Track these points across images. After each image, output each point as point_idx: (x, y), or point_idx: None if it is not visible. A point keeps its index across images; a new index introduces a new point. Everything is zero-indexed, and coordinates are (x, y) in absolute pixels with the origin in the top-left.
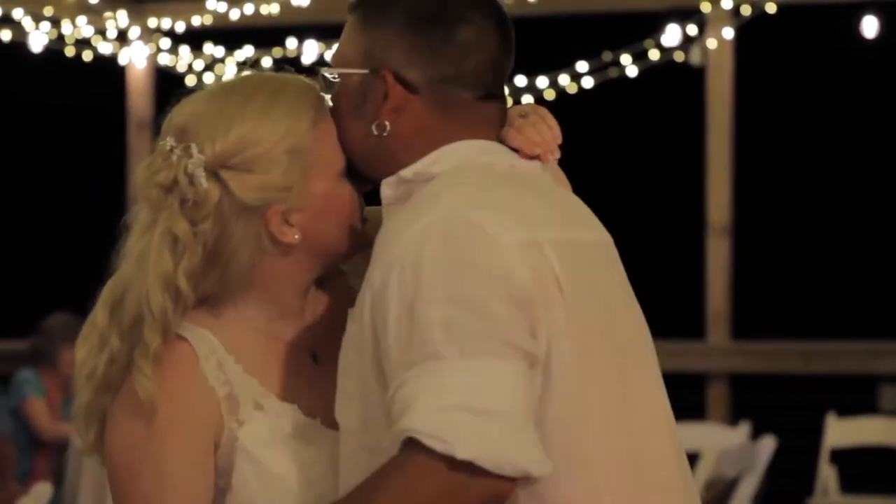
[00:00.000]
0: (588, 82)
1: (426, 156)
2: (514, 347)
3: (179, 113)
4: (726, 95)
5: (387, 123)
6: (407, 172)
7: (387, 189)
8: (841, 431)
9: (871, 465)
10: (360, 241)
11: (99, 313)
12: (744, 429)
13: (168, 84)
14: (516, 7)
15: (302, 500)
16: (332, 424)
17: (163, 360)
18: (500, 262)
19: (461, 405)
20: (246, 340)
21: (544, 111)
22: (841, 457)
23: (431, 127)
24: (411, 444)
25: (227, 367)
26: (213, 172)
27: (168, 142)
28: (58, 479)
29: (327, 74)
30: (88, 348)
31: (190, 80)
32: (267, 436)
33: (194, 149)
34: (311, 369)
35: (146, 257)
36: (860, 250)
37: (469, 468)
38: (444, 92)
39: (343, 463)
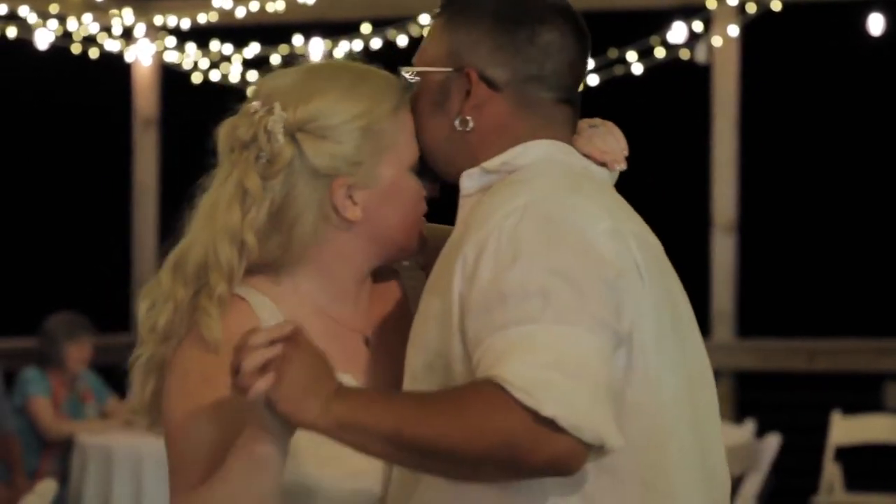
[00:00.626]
0: (594, 80)
1: (507, 150)
2: (604, 325)
3: (267, 82)
4: (732, 93)
5: (469, 119)
6: (491, 164)
7: (467, 180)
8: (846, 429)
9: (876, 462)
10: (418, 242)
11: (165, 270)
12: (749, 426)
13: (174, 81)
14: None
15: (353, 466)
16: None
17: (224, 320)
18: (593, 245)
19: (552, 365)
20: (302, 313)
21: (613, 125)
22: (846, 454)
23: (511, 124)
24: (498, 389)
25: None
26: (290, 134)
27: (253, 105)
28: (63, 477)
29: (409, 73)
30: (151, 302)
31: (196, 78)
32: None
33: (277, 107)
34: (362, 351)
35: (216, 209)
36: (865, 248)
37: (549, 425)
38: (525, 91)
39: None
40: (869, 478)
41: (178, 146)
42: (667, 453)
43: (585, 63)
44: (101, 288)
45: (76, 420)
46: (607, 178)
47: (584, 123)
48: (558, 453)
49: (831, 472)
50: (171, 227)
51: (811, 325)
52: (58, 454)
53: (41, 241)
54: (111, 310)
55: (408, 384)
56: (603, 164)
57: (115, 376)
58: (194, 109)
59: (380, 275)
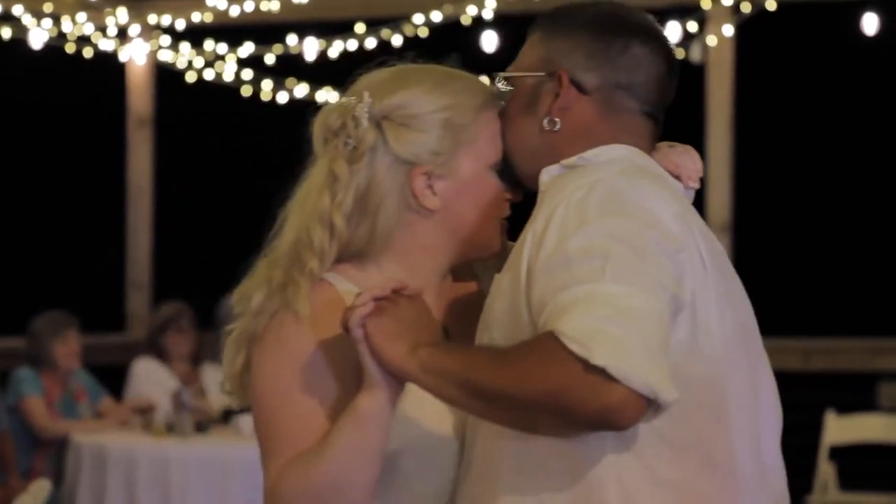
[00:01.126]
0: None
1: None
2: (664, 288)
3: (363, 76)
4: (726, 92)
5: (556, 119)
6: (570, 161)
7: (545, 176)
8: (840, 429)
9: (871, 462)
10: (497, 243)
11: (261, 261)
12: None
13: (168, 81)
14: (518, 4)
15: (424, 431)
16: None
17: (312, 300)
18: (657, 219)
19: (607, 319)
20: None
21: (690, 147)
22: (840, 454)
23: (597, 127)
24: (554, 340)
25: None
26: (375, 121)
27: (345, 97)
28: (56, 477)
29: (502, 78)
30: (253, 283)
31: (190, 77)
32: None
33: (366, 96)
34: (442, 339)
35: (308, 195)
36: (860, 248)
37: (600, 375)
38: (612, 97)
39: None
40: (863, 477)
41: (173, 145)
42: (730, 433)
43: (673, 86)
44: (95, 288)
45: (70, 419)
46: (681, 190)
47: (662, 143)
48: (609, 404)
49: (825, 471)
50: (165, 226)
51: (805, 324)
52: (51, 454)
53: (35, 241)
54: (105, 309)
55: None
56: (677, 178)
57: (109, 376)
58: (188, 109)
59: (461, 275)
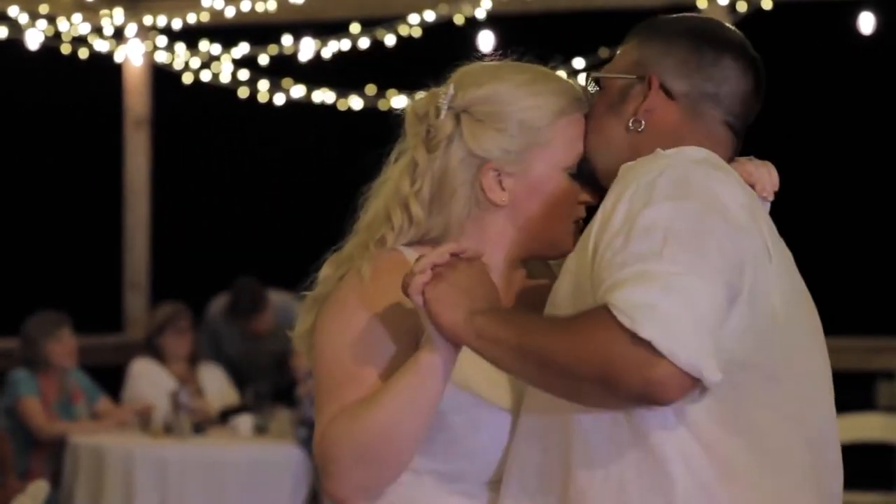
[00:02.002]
0: (584, 80)
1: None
2: (720, 273)
3: (461, 68)
4: None
5: (641, 120)
6: (648, 157)
7: (623, 170)
8: (838, 428)
9: (869, 461)
10: (569, 242)
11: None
12: None
13: (164, 81)
14: (513, 5)
15: (484, 396)
16: None
17: (377, 261)
18: (724, 206)
19: (659, 295)
20: None
21: (769, 163)
22: None
23: (679, 130)
24: (605, 312)
25: None
26: (455, 113)
27: (439, 88)
28: (54, 477)
29: (594, 77)
30: (333, 263)
31: (186, 78)
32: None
33: (451, 87)
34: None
35: (391, 179)
36: (858, 247)
37: (646, 348)
38: (698, 105)
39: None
40: (861, 476)
41: (170, 146)
42: (784, 422)
43: (758, 103)
44: (92, 288)
45: (67, 420)
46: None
47: (741, 157)
48: (653, 378)
49: None
50: (162, 227)
51: None
52: (49, 454)
53: (32, 242)
54: (102, 310)
55: None
56: (751, 187)
57: (106, 376)
58: (185, 109)
59: (541, 272)
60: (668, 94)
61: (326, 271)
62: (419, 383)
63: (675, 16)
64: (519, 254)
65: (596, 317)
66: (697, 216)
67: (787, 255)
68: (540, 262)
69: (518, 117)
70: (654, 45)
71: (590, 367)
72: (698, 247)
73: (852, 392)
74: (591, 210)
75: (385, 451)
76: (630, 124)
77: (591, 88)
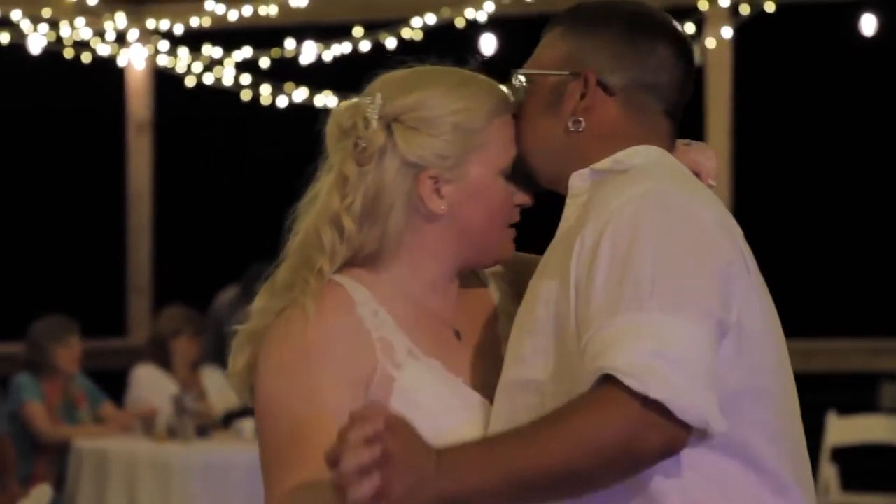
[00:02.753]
0: None
1: (618, 152)
2: (710, 314)
3: (379, 78)
4: (725, 94)
5: (581, 119)
6: (602, 164)
7: (576, 180)
8: (842, 430)
9: (872, 463)
10: (506, 248)
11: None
12: None
13: (167, 86)
14: (514, 7)
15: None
16: (475, 388)
17: (321, 300)
18: (707, 234)
19: (657, 352)
20: (398, 301)
21: (705, 145)
22: (842, 455)
23: (622, 127)
24: (607, 381)
25: (380, 316)
26: (385, 122)
27: (359, 98)
28: (58, 482)
29: (522, 75)
30: (267, 293)
31: (189, 82)
32: (424, 381)
33: (378, 97)
34: (453, 342)
35: (318, 197)
36: (861, 248)
37: (657, 410)
38: (637, 98)
39: (518, 413)
40: (865, 478)
41: (172, 150)
42: (773, 441)
43: (690, 86)
44: (95, 292)
45: (70, 424)
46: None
47: (679, 141)
48: (668, 438)
49: (827, 472)
50: (165, 231)
51: (807, 325)
52: (52, 459)
53: (35, 246)
54: (106, 314)
55: (513, 368)
56: (697, 175)
57: (109, 381)
58: (187, 113)
59: (471, 281)
60: (605, 89)
61: (262, 302)
62: None
63: (598, 2)
64: (457, 265)
65: (601, 391)
66: (684, 254)
67: (755, 264)
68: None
69: (452, 121)
70: (585, 38)
71: (607, 447)
72: (686, 290)
73: (856, 394)
74: (526, 215)
75: None
76: (570, 125)
77: (520, 85)
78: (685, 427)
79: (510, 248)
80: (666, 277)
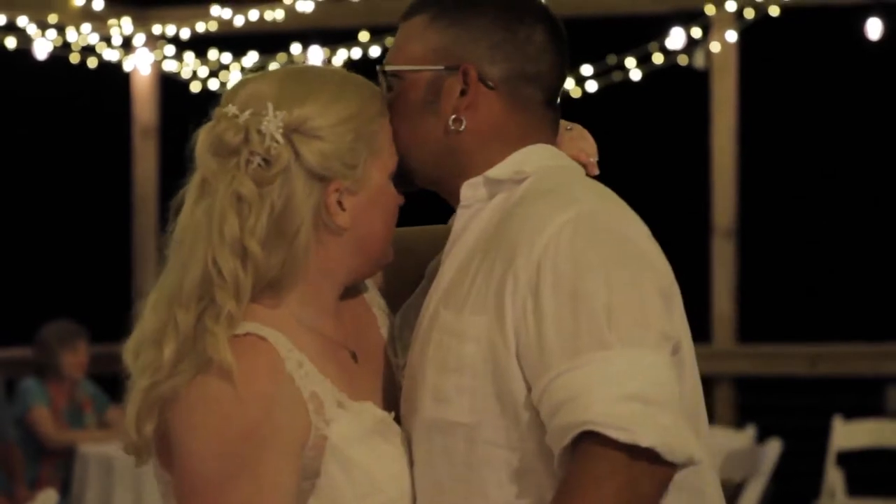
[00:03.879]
0: (592, 86)
1: (507, 158)
2: (666, 338)
3: (244, 87)
4: (730, 98)
5: (463, 119)
6: (496, 173)
7: (469, 190)
8: (847, 434)
9: (878, 467)
10: (390, 253)
11: (150, 307)
12: (750, 432)
13: (173, 91)
14: None
15: (387, 496)
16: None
17: (247, 361)
18: (646, 255)
19: (634, 395)
20: (304, 338)
21: (582, 128)
22: (848, 459)
23: (505, 124)
24: (589, 438)
25: (305, 367)
26: (286, 135)
27: (230, 109)
28: (64, 486)
29: (392, 72)
30: (136, 347)
31: (195, 87)
32: (355, 433)
33: (270, 109)
34: (353, 367)
35: (208, 223)
36: (866, 252)
37: (648, 457)
38: (519, 90)
39: (439, 456)
40: (871, 482)
41: (178, 155)
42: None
43: (567, 70)
44: (101, 297)
45: (76, 429)
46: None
47: (563, 130)
48: (659, 482)
49: (833, 477)
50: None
51: (812, 329)
52: (58, 463)
53: (41, 250)
54: (111, 319)
55: (433, 407)
56: (583, 166)
57: (115, 385)
58: (193, 118)
59: (346, 291)
60: (485, 83)
61: (167, 353)
62: None
63: None
64: (348, 280)
65: (589, 457)
66: (632, 281)
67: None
68: None
69: (352, 127)
70: (457, 27)
71: None
72: (642, 317)
73: (862, 397)
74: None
75: None
76: (450, 124)
77: (388, 84)
78: (673, 467)
79: (391, 252)
80: (619, 307)
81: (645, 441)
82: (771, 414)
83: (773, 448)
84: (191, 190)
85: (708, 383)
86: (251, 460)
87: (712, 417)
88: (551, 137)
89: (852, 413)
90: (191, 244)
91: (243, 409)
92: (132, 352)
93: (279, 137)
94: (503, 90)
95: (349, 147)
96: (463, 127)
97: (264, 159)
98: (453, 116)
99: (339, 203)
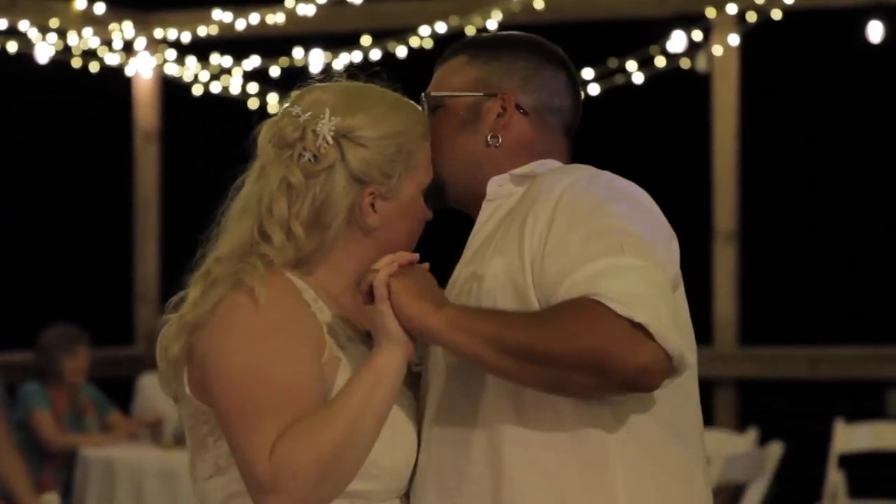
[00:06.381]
0: (594, 89)
1: (529, 163)
2: (669, 266)
3: (311, 92)
4: (732, 102)
5: (499, 136)
6: (521, 170)
7: (494, 185)
8: (849, 437)
9: (880, 470)
10: None
11: (207, 260)
12: (751, 435)
13: (174, 95)
14: (522, 14)
15: (390, 421)
16: None
17: (271, 282)
18: (656, 211)
19: (639, 284)
20: (326, 300)
21: None
22: (849, 462)
23: (533, 142)
24: (593, 302)
25: (319, 304)
26: (336, 139)
27: (295, 109)
28: (65, 490)
29: (438, 97)
30: (201, 284)
31: (196, 91)
32: (364, 361)
33: (327, 114)
34: (368, 341)
35: (258, 201)
36: (867, 255)
37: (640, 332)
38: (544, 117)
39: (457, 388)
40: (872, 485)
41: (180, 159)
42: (695, 409)
43: (580, 113)
44: (102, 301)
45: (77, 433)
46: None
47: None
48: (645, 362)
49: (835, 479)
50: (172, 239)
51: (813, 332)
52: (59, 467)
53: (43, 255)
54: (113, 323)
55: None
56: None
57: (116, 389)
58: (195, 122)
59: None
60: (518, 108)
61: (196, 293)
62: (377, 390)
63: (501, 34)
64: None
65: (586, 307)
66: (641, 217)
67: None
68: None
69: (396, 142)
70: (494, 63)
71: (586, 354)
72: (649, 245)
73: (863, 401)
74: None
75: (350, 462)
76: (488, 139)
77: (431, 108)
78: (663, 355)
79: None
80: (632, 231)
81: (640, 317)
82: (772, 417)
83: (775, 451)
84: (251, 174)
85: (710, 386)
86: (281, 348)
87: (714, 420)
88: (565, 160)
89: (853, 416)
90: (238, 218)
91: (268, 310)
92: (178, 297)
93: (329, 139)
94: (532, 116)
95: (389, 159)
96: (499, 143)
97: (314, 156)
98: (491, 133)
99: (372, 206)
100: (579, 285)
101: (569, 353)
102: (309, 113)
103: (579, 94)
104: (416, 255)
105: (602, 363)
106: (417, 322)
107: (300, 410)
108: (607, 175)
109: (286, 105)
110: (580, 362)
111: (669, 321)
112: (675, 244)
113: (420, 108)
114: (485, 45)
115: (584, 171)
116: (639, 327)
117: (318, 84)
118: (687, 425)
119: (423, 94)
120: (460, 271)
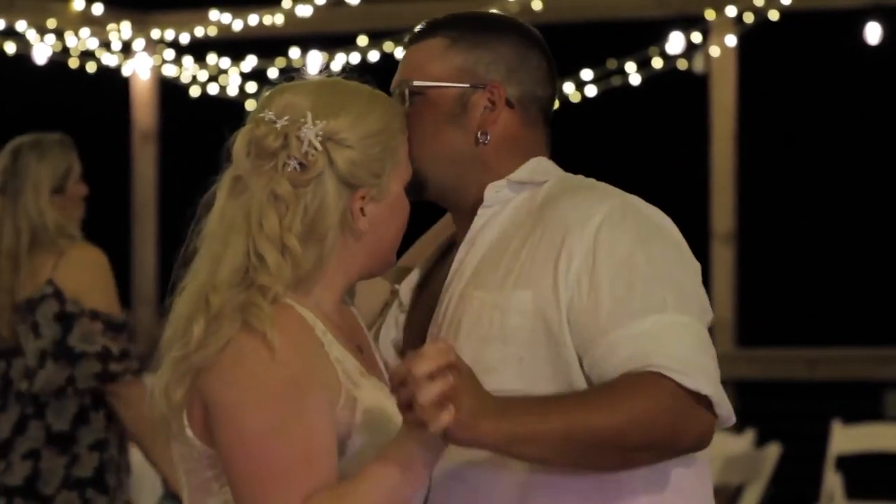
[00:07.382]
0: (592, 90)
1: (521, 166)
2: (706, 314)
3: (281, 95)
4: (730, 103)
5: (489, 132)
6: (519, 176)
7: (492, 191)
8: (846, 438)
9: (877, 471)
10: (394, 258)
11: (186, 293)
12: (749, 436)
13: (172, 95)
14: (520, 15)
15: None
16: None
17: (282, 323)
18: (683, 245)
19: (693, 349)
20: (327, 323)
21: None
22: (847, 463)
23: (521, 137)
24: (656, 375)
25: (328, 337)
26: (322, 143)
27: (267, 114)
28: None
29: (417, 88)
30: (187, 314)
31: (194, 91)
32: (380, 398)
33: (309, 118)
34: (361, 357)
35: (245, 218)
36: (865, 257)
37: (701, 403)
38: (529, 109)
39: None
40: (870, 486)
41: (177, 160)
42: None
43: (555, 99)
44: None
45: None
46: None
47: None
48: (704, 430)
49: (832, 481)
50: (170, 241)
51: (811, 333)
52: None
53: None
54: None
55: (483, 377)
56: None
57: None
58: (193, 123)
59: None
60: (506, 101)
61: (197, 330)
62: (408, 476)
63: (482, 15)
64: (356, 279)
65: (650, 384)
66: (678, 260)
67: None
68: None
69: (380, 140)
70: (479, 50)
71: (655, 432)
72: (689, 293)
73: (861, 402)
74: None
75: None
76: (478, 136)
77: (409, 98)
78: (715, 420)
79: (395, 258)
80: (673, 280)
81: (705, 389)
82: (770, 418)
83: (773, 452)
84: (222, 187)
85: None
86: (296, 406)
87: None
88: (548, 153)
89: (851, 417)
90: (224, 237)
91: (282, 360)
92: (173, 330)
93: (318, 145)
94: (518, 108)
95: (376, 158)
96: (488, 140)
97: (300, 163)
98: (480, 130)
99: (362, 210)
100: (626, 346)
101: (641, 434)
102: (286, 118)
103: (555, 81)
104: (452, 348)
105: (671, 438)
106: (473, 445)
107: (321, 474)
108: (634, 202)
109: (256, 111)
110: (651, 441)
111: (718, 382)
112: (700, 275)
113: (393, 100)
114: (466, 27)
115: (611, 199)
116: (702, 398)
117: (284, 85)
118: (703, 454)
119: (397, 80)
120: (462, 292)
